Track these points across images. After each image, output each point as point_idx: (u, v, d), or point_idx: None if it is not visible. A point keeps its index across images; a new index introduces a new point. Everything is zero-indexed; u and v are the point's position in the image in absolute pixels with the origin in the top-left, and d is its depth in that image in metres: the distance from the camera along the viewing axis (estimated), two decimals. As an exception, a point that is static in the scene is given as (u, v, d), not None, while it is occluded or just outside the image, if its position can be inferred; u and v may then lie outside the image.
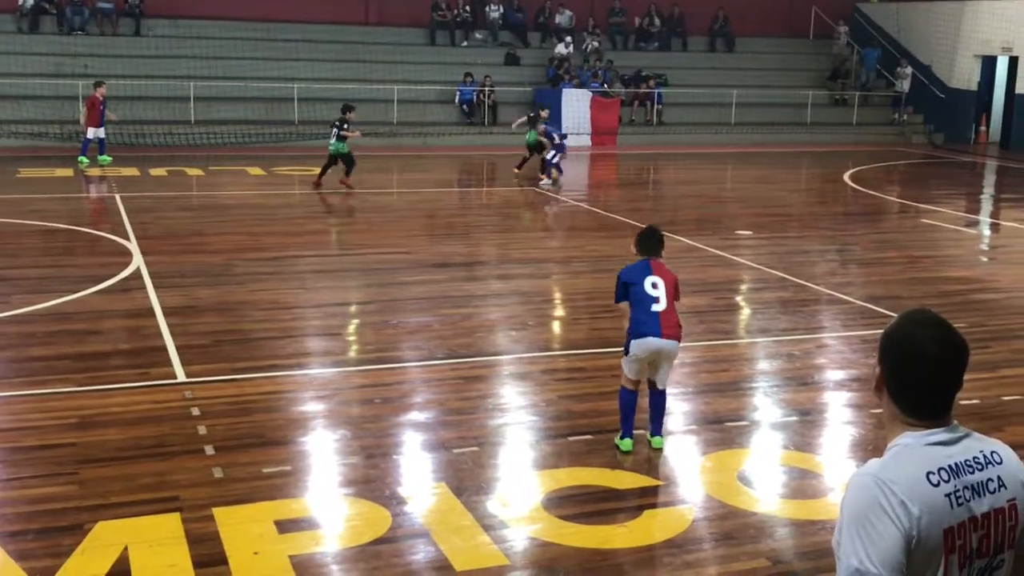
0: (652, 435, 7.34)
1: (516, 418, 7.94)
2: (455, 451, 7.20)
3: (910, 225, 17.83)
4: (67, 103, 24.08)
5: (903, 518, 2.51)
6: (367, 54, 28.16)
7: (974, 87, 30.66)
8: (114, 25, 27.44)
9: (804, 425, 8.02)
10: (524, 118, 22.22)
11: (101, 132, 21.25)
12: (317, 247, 14.36)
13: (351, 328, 10.73)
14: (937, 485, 2.58)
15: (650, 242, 7.29)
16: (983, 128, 30.63)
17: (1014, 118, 29.17)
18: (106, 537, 5.79)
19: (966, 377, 2.68)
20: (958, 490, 2.59)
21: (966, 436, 2.69)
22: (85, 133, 21.26)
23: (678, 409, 8.26)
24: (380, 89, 27.05)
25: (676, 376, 9.16)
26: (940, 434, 2.66)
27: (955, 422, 2.70)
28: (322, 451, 7.26)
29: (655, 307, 6.98)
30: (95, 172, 20.20)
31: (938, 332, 2.69)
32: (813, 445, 7.70)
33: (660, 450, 7.26)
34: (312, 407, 8.13)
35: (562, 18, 31.51)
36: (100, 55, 25.83)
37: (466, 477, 6.77)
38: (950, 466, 2.62)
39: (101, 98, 21.00)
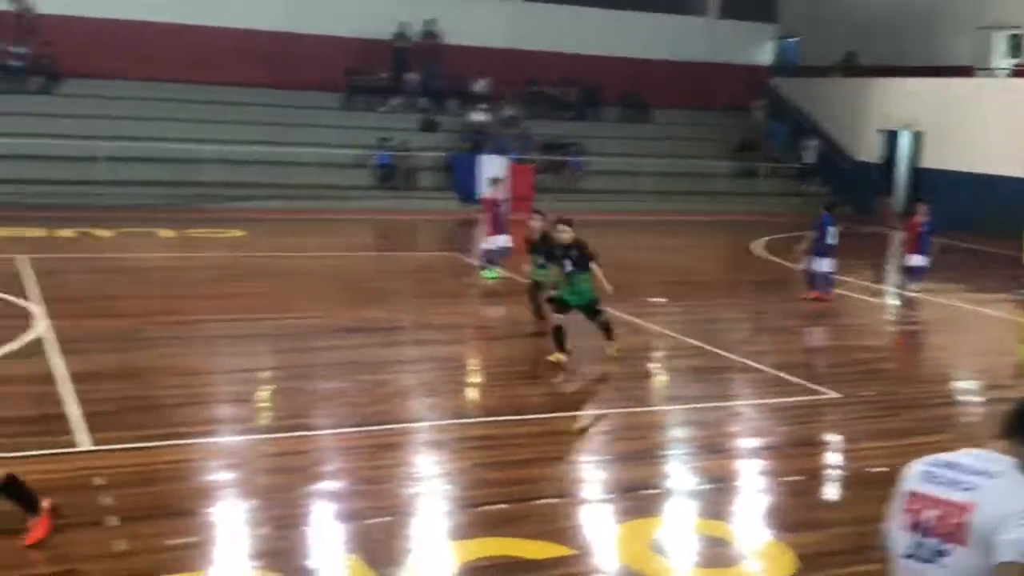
0: None
1: (430, 487, 7.84)
2: (367, 522, 7.05)
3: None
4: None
5: None
6: (280, 116, 28.03)
7: (878, 160, 31.68)
8: (24, 82, 26.98)
9: (717, 493, 8.04)
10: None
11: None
12: (228, 311, 14.09)
13: (262, 395, 10.50)
14: None
15: None
16: (888, 199, 31.58)
17: (917, 191, 30.13)
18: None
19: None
20: None
21: None
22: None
23: (593, 477, 8.25)
24: (293, 152, 26.95)
25: (591, 444, 9.19)
26: None
27: None
28: (230, 522, 7.06)
29: None
30: None
31: None
32: (726, 513, 7.71)
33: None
34: (220, 476, 7.92)
35: (479, 86, 31.86)
36: (8, 113, 25.29)
37: (379, 548, 6.63)
38: None
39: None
